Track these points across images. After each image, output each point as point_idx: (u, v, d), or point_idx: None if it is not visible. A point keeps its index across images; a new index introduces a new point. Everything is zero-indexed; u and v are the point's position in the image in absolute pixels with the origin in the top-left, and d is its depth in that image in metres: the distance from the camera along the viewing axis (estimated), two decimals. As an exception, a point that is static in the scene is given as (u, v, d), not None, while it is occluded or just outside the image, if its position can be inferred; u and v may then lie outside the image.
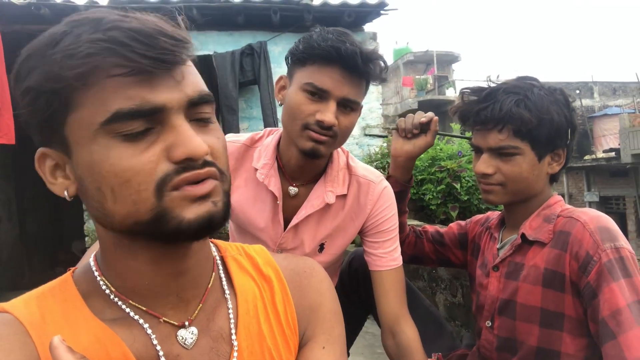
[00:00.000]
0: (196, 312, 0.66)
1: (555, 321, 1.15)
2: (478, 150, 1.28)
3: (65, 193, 0.59)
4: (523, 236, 1.23)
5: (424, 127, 1.46)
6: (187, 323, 0.64)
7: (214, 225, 0.58)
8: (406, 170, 1.53)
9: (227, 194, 0.61)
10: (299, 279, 0.78)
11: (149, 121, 0.55)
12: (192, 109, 0.58)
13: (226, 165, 0.61)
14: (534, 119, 1.17)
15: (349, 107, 1.21)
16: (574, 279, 1.11)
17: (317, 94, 1.17)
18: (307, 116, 1.17)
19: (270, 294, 0.74)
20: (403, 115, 1.56)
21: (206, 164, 0.57)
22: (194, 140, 0.55)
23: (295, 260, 0.82)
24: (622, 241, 1.08)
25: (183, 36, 0.57)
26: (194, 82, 0.59)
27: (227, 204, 0.60)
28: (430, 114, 1.48)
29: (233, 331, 0.67)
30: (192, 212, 0.56)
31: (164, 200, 0.55)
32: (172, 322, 0.63)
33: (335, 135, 1.20)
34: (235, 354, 0.66)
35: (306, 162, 1.27)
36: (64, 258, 6.68)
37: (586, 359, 1.15)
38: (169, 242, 0.59)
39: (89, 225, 5.68)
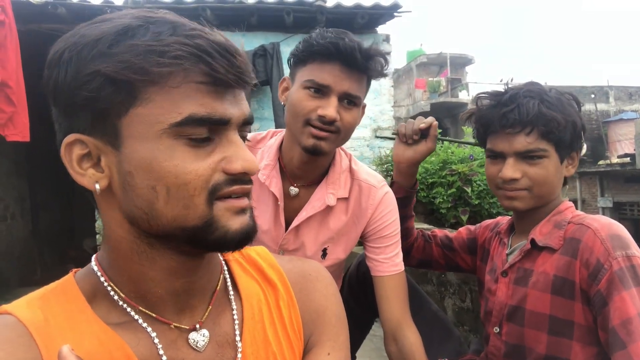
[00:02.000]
0: (206, 314, 0.66)
1: (565, 329, 1.14)
2: (499, 156, 1.24)
3: (97, 186, 0.58)
4: (533, 242, 1.21)
5: (424, 133, 1.45)
6: (198, 326, 0.64)
7: (251, 237, 0.61)
8: (409, 175, 1.52)
9: (252, 211, 0.64)
10: (304, 283, 0.78)
11: (211, 131, 0.57)
12: (242, 127, 0.61)
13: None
14: (562, 120, 1.17)
15: (351, 102, 1.21)
16: (584, 286, 1.10)
17: (318, 90, 1.19)
18: (309, 112, 1.19)
19: (274, 298, 0.74)
20: (413, 118, 1.56)
21: (249, 181, 0.61)
22: (251, 157, 0.59)
23: (300, 263, 0.81)
24: (634, 249, 1.06)
25: (245, 58, 0.60)
26: (245, 102, 0.62)
27: (255, 220, 0.63)
28: (430, 119, 1.46)
29: (238, 336, 0.67)
30: (236, 224, 0.59)
31: (213, 209, 0.58)
32: (183, 326, 0.64)
33: (338, 131, 1.21)
34: (240, 359, 0.65)
35: (308, 161, 1.28)
36: (75, 255, 6.75)
37: (596, 368, 1.14)
38: (206, 251, 0.62)
39: (100, 223, 5.73)
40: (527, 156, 1.19)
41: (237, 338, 0.67)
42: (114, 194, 0.58)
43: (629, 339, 0.99)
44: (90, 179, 0.58)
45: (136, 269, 0.61)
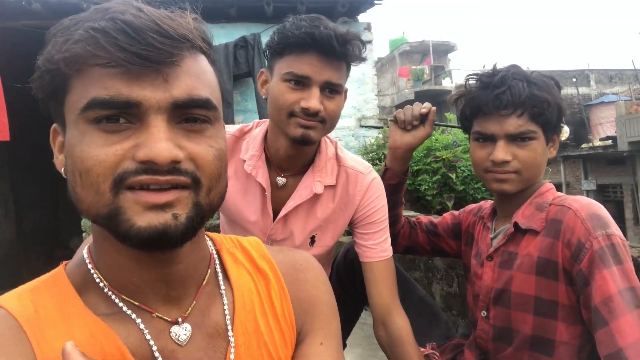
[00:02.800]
0: (190, 309, 0.65)
1: (549, 309, 1.16)
2: (488, 139, 1.23)
3: (63, 170, 0.60)
4: (516, 225, 1.22)
5: (422, 118, 1.46)
6: (180, 320, 0.63)
7: (167, 240, 0.54)
8: (404, 161, 1.53)
9: (200, 207, 0.57)
10: (295, 273, 0.78)
11: (127, 116, 0.54)
12: (179, 111, 0.56)
13: (213, 175, 0.58)
14: (552, 102, 1.18)
15: (333, 90, 1.21)
16: (567, 266, 1.11)
17: (299, 82, 1.18)
18: (292, 105, 1.18)
19: (266, 288, 0.74)
20: (401, 106, 1.56)
21: (174, 171, 0.54)
22: (159, 143, 0.53)
23: (291, 254, 0.81)
24: (613, 228, 1.08)
25: (183, 34, 0.56)
26: (188, 84, 0.57)
27: (195, 219, 0.57)
28: (428, 104, 1.47)
29: (229, 327, 0.66)
30: (144, 220, 0.54)
31: (119, 198, 0.54)
32: (165, 317, 0.63)
33: (324, 121, 1.21)
34: (232, 349, 0.65)
35: (296, 150, 1.27)
36: (62, 255, 6.61)
37: (580, 346, 1.16)
38: (126, 245, 0.56)
39: (86, 221, 5.67)
40: (517, 138, 1.19)
41: (229, 328, 0.66)
42: None
43: (611, 317, 1.01)
44: (59, 162, 0.61)
45: (111, 256, 0.61)
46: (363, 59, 1.24)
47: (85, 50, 0.53)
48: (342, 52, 1.17)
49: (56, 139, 0.62)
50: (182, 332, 0.63)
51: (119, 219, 0.54)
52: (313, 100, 1.17)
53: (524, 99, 1.16)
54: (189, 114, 0.57)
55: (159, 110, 0.55)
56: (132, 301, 0.62)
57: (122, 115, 0.54)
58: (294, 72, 1.17)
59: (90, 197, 0.54)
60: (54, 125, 0.62)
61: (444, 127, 3.35)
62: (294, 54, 1.17)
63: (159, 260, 0.61)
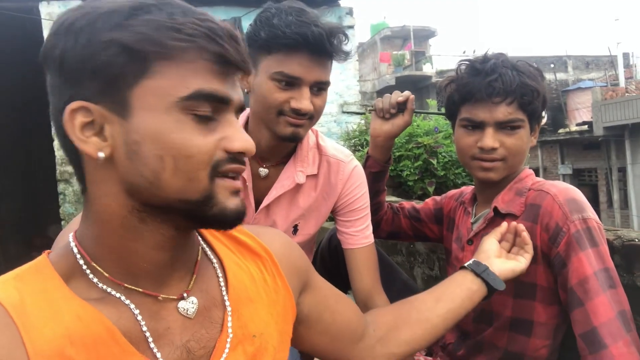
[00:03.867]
0: (192, 283, 0.68)
1: (528, 291, 1.19)
2: (477, 126, 1.23)
3: (101, 154, 0.58)
4: (495, 209, 1.25)
5: (401, 106, 1.46)
6: (185, 294, 0.67)
7: (242, 219, 0.64)
8: (385, 149, 1.53)
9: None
10: (283, 249, 0.84)
11: (214, 110, 0.60)
12: (237, 112, 0.65)
13: None
14: (541, 91, 1.20)
15: (321, 88, 1.21)
16: (545, 250, 1.15)
17: (288, 82, 1.16)
18: (281, 104, 1.17)
19: (251, 258, 0.79)
20: (382, 92, 1.57)
21: (244, 162, 0.65)
22: (249, 138, 0.63)
23: (264, 229, 0.88)
24: (589, 212, 1.11)
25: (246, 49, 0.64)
26: (240, 89, 0.65)
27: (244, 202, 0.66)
28: (406, 92, 1.47)
29: (225, 296, 0.70)
30: (232, 203, 0.63)
31: (214, 184, 0.60)
32: (171, 296, 0.65)
33: (312, 117, 1.21)
34: (229, 317, 0.69)
35: (279, 144, 1.28)
36: (40, 243, 6.54)
37: (557, 326, 1.20)
38: (200, 227, 0.66)
39: (65, 209, 5.59)
40: (506, 126, 1.20)
41: (225, 297, 0.71)
42: (114, 165, 0.59)
43: (586, 297, 1.04)
44: (93, 146, 0.58)
45: (123, 243, 0.62)
46: (347, 53, 1.22)
47: (207, 46, 0.58)
48: (332, 50, 1.16)
49: (76, 119, 0.58)
50: (190, 305, 0.67)
51: (212, 202, 0.61)
52: (304, 101, 1.16)
53: (515, 88, 1.17)
54: (238, 115, 0.67)
55: (234, 109, 0.63)
56: (134, 288, 0.63)
57: (215, 110, 0.60)
58: (285, 72, 1.14)
59: (181, 182, 0.59)
60: (83, 104, 0.57)
61: (426, 114, 3.38)
62: (282, 52, 1.14)
63: (177, 242, 0.65)
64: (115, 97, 0.57)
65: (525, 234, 1.13)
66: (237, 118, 0.65)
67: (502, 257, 1.12)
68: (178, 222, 0.63)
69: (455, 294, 1.03)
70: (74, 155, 0.62)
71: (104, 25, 0.56)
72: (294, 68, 1.14)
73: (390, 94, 1.50)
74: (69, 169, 5.49)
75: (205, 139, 0.59)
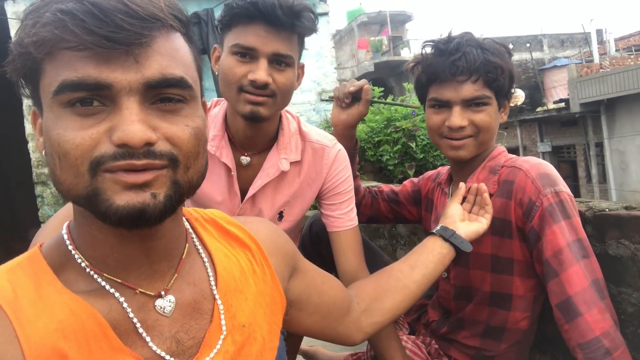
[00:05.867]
0: (172, 282, 0.67)
1: (506, 266, 1.21)
2: (444, 105, 1.24)
3: (44, 152, 0.60)
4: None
5: (355, 96, 1.45)
6: (163, 293, 0.65)
7: (146, 218, 0.56)
8: (348, 138, 1.52)
9: (179, 186, 0.59)
10: (270, 236, 0.85)
11: (100, 98, 0.55)
12: (152, 91, 0.57)
13: (190, 154, 0.59)
14: (506, 68, 1.21)
15: (283, 62, 1.19)
16: (520, 224, 1.17)
17: (246, 54, 1.16)
18: (240, 78, 1.16)
19: (241, 250, 0.79)
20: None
21: (149, 154, 0.55)
22: (132, 126, 0.54)
23: (250, 219, 0.88)
24: (562, 185, 1.13)
25: (153, 14, 0.56)
26: (161, 63, 0.57)
27: (173, 197, 0.58)
28: (361, 82, 1.47)
29: (215, 290, 0.70)
30: (123, 199, 0.55)
31: (97, 180, 0.55)
32: (148, 292, 0.64)
33: (274, 94, 1.19)
34: (221, 308, 0.70)
35: (253, 130, 1.27)
36: (20, 248, 6.36)
37: (535, 298, 1.23)
38: (111, 225, 0.57)
39: (44, 211, 5.50)
40: (472, 104, 1.21)
41: (214, 291, 0.70)
42: None
43: (561, 268, 1.07)
44: (40, 145, 0.61)
45: (92, 235, 0.62)
46: (314, 30, 1.22)
47: (53, 34, 0.53)
48: (290, 22, 1.15)
49: (36, 122, 0.62)
50: (166, 304, 0.65)
51: (98, 199, 0.55)
52: (260, 72, 1.14)
53: (479, 65, 1.18)
54: (163, 94, 0.58)
55: (130, 92, 0.55)
56: (113, 278, 0.62)
57: (95, 98, 0.55)
58: (240, 44, 1.15)
59: (69, 179, 0.56)
60: (34, 109, 0.62)
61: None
62: (240, 25, 1.16)
63: (140, 237, 0.62)
64: (35, 99, 0.60)
65: (486, 195, 1.19)
66: (167, 98, 0.58)
67: (466, 220, 1.18)
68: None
69: (428, 260, 1.11)
70: None
71: (16, 32, 0.57)
72: (248, 39, 1.15)
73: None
74: (45, 170, 5.40)
75: (82, 132, 0.54)
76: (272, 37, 1.15)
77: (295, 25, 1.16)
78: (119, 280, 0.62)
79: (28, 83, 0.59)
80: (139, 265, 0.64)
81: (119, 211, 0.55)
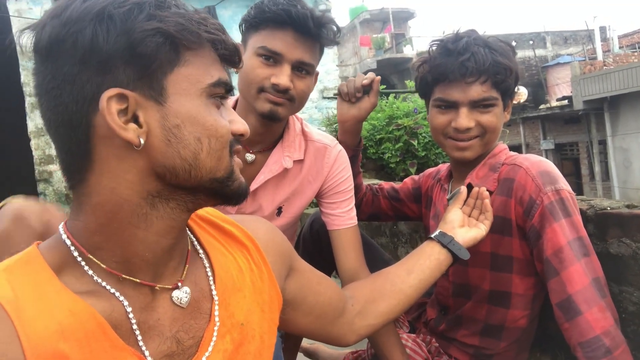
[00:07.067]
0: (184, 272, 0.69)
1: (505, 264, 1.21)
2: (450, 106, 1.22)
3: (141, 140, 0.59)
4: (469, 186, 1.25)
5: (366, 89, 1.46)
6: (180, 284, 0.68)
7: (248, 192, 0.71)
8: (354, 134, 1.52)
9: None
10: (267, 235, 0.85)
11: (222, 97, 0.66)
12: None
13: None
14: (513, 69, 1.20)
15: (304, 70, 1.23)
16: (520, 222, 1.16)
17: (271, 58, 1.20)
18: (262, 80, 1.20)
19: (237, 248, 0.79)
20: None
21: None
22: (244, 122, 0.69)
23: (247, 217, 0.88)
24: (562, 183, 1.13)
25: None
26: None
27: None
28: (371, 74, 1.47)
29: (213, 287, 0.72)
30: (242, 178, 0.69)
31: (232, 162, 0.67)
32: (166, 286, 0.66)
33: (292, 99, 1.23)
34: (216, 306, 0.70)
35: (265, 127, 1.29)
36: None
37: (534, 296, 1.23)
38: (220, 203, 0.69)
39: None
40: (480, 105, 1.20)
41: (212, 288, 0.72)
42: (142, 151, 0.60)
43: (561, 266, 1.06)
44: (134, 132, 0.59)
45: (130, 231, 0.62)
46: (337, 43, 1.27)
47: (227, 40, 0.64)
48: (317, 33, 1.19)
49: (112, 106, 0.57)
50: (183, 295, 0.68)
51: (232, 178, 0.67)
52: (283, 77, 1.19)
53: (488, 67, 1.16)
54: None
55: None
56: (131, 278, 0.63)
57: (222, 96, 0.66)
58: (267, 47, 1.19)
59: (212, 162, 0.63)
60: (120, 91, 0.57)
61: (404, 95, 3.37)
62: (269, 28, 1.19)
63: (181, 227, 0.67)
64: (153, 83, 0.59)
65: (487, 202, 1.17)
66: None
67: (465, 226, 1.18)
68: (198, 202, 0.66)
69: (425, 265, 1.11)
70: (82, 146, 0.59)
71: (140, 15, 0.58)
72: (276, 44, 1.18)
73: None
74: (48, 168, 5.41)
75: (225, 121, 0.65)
76: (298, 45, 1.19)
77: (322, 36, 1.21)
78: (138, 280, 0.63)
79: (152, 69, 0.59)
80: (161, 262, 0.66)
81: (245, 187, 0.69)
